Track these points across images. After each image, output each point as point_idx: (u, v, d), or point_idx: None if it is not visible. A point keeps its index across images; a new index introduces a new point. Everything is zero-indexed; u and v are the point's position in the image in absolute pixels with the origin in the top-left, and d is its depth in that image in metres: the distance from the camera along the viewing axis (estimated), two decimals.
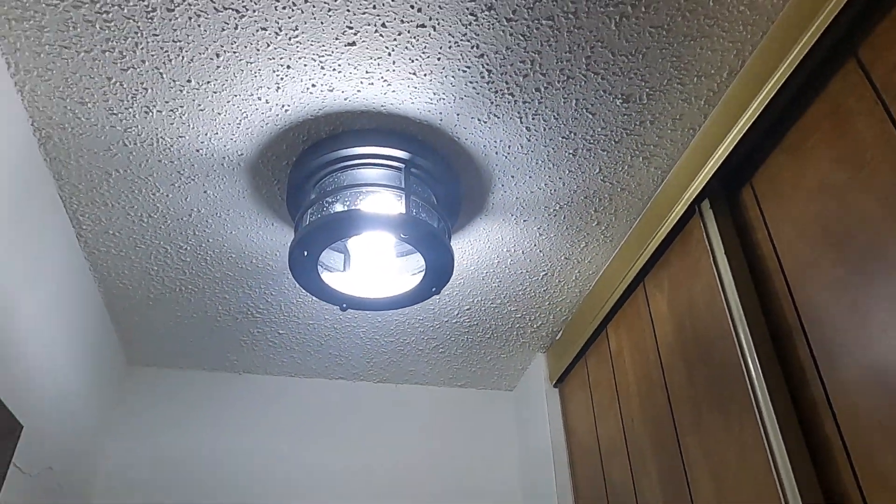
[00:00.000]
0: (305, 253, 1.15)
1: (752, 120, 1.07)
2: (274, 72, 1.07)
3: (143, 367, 1.91)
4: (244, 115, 1.15)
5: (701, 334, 1.20)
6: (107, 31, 1.00)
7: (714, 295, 1.17)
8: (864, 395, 0.87)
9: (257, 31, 1.01)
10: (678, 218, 1.26)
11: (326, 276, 1.25)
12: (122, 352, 1.84)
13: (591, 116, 1.17)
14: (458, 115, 1.16)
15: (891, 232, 0.86)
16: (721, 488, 1.09)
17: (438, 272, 1.23)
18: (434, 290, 1.26)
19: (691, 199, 1.22)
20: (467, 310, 1.70)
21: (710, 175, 1.17)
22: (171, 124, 1.16)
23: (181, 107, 1.13)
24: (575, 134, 1.20)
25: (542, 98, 1.13)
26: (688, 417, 1.22)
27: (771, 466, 0.96)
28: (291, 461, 1.86)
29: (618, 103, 1.15)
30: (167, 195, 1.31)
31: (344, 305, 1.28)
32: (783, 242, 1.06)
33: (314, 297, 1.58)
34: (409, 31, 1.02)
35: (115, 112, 1.13)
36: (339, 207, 1.18)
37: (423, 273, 1.24)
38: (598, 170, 1.28)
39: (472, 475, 1.95)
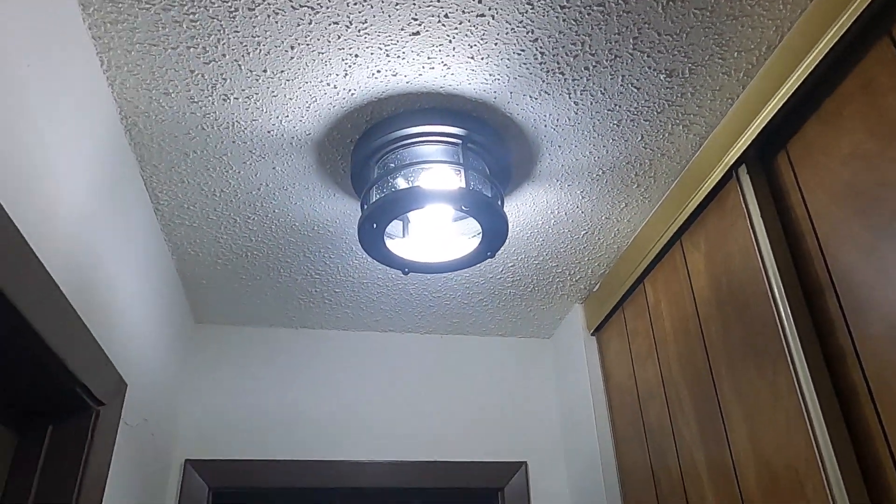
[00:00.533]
0: (374, 226, 1.26)
1: (790, 91, 1.15)
2: (343, 60, 1.16)
3: (210, 325, 2.07)
4: (314, 99, 1.24)
5: (737, 290, 1.31)
6: (192, 30, 1.09)
7: (750, 254, 1.27)
8: (888, 346, 0.97)
9: (329, 25, 1.09)
10: (716, 181, 1.35)
11: (389, 244, 1.37)
12: (191, 311, 1.99)
13: (635, 90, 1.25)
14: (511, 93, 1.24)
15: None
16: (754, 428, 1.22)
17: (494, 238, 1.33)
18: (489, 254, 1.37)
19: (729, 165, 1.30)
20: (511, 266, 1.81)
21: (748, 142, 1.25)
22: (247, 109, 1.26)
23: (256, 94, 1.22)
24: (620, 106, 1.29)
25: (590, 76, 1.21)
26: (723, 365, 1.34)
27: (802, 409, 1.08)
28: (345, 407, 2.03)
29: (661, 78, 1.23)
30: (239, 172, 1.42)
31: (406, 270, 1.40)
32: (816, 206, 1.15)
33: (370, 260, 1.70)
34: (469, 21, 1.10)
35: (195, 101, 1.23)
36: (401, 183, 1.28)
37: (478, 238, 1.35)
38: (640, 138, 1.37)
39: (515, 418, 2.10)
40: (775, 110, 1.18)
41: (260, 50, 1.14)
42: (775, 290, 1.18)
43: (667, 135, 1.36)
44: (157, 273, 1.60)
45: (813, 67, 1.10)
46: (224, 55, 1.14)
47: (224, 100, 1.23)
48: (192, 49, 1.13)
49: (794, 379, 1.11)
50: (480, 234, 1.33)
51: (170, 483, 1.81)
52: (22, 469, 1.12)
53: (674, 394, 1.52)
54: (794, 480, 1.11)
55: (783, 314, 1.16)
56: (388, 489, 1.94)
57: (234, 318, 2.04)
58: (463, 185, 1.24)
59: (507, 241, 1.69)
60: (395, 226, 1.42)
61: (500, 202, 1.33)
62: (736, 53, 1.18)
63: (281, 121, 1.29)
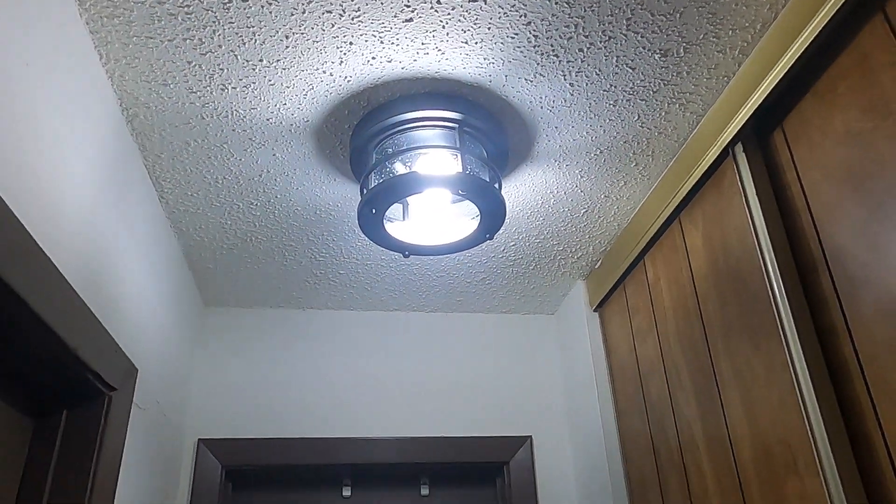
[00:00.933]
0: (374, 211, 1.28)
1: (785, 69, 1.15)
2: (338, 48, 1.17)
3: (218, 308, 2.11)
4: (310, 87, 1.25)
5: (733, 267, 1.32)
6: (187, 22, 1.11)
7: (745, 231, 1.28)
8: (879, 323, 0.99)
9: (323, 13, 1.10)
10: (713, 159, 1.36)
11: (389, 227, 1.39)
12: (199, 295, 2.03)
13: (630, 71, 1.25)
14: (506, 76, 1.25)
15: None
16: (749, 403, 1.24)
17: (491, 220, 1.35)
18: (488, 236, 1.39)
19: (726, 143, 1.31)
20: (513, 245, 1.83)
21: (744, 120, 1.25)
22: (245, 98, 1.27)
23: (254, 83, 1.24)
24: (615, 87, 1.29)
25: (584, 57, 1.21)
26: (720, 341, 1.36)
27: (794, 385, 1.10)
28: (353, 385, 2.07)
29: (656, 58, 1.23)
30: (240, 159, 1.44)
31: (406, 253, 1.42)
32: (811, 184, 1.16)
33: (372, 242, 1.73)
34: (462, 6, 1.10)
35: (194, 91, 1.25)
36: (399, 168, 1.30)
37: (477, 220, 1.37)
38: (636, 117, 1.37)
39: (520, 393, 2.14)
40: (770, 88, 1.18)
41: (255, 40, 1.15)
42: (769, 268, 1.19)
43: (663, 114, 1.37)
44: (164, 259, 1.63)
45: (808, 44, 1.10)
46: (220, 46, 1.15)
47: (222, 89, 1.25)
48: (188, 41, 1.14)
49: (787, 355, 1.13)
50: (479, 217, 1.35)
51: (184, 462, 1.87)
52: (39, 452, 1.17)
53: (673, 369, 1.54)
54: (787, 455, 1.13)
55: (777, 291, 1.17)
56: (397, 465, 1.99)
57: (243, 300, 2.07)
58: (460, 169, 1.26)
59: (508, 220, 1.71)
60: (395, 209, 1.44)
61: (497, 185, 1.34)
62: (730, 31, 1.18)
63: (279, 109, 1.30)
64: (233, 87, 1.24)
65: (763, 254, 1.21)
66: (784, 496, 1.14)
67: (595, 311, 2.00)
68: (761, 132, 1.29)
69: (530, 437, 2.07)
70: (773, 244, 1.20)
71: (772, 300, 1.18)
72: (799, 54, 1.12)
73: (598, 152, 1.47)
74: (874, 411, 0.99)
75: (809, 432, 1.06)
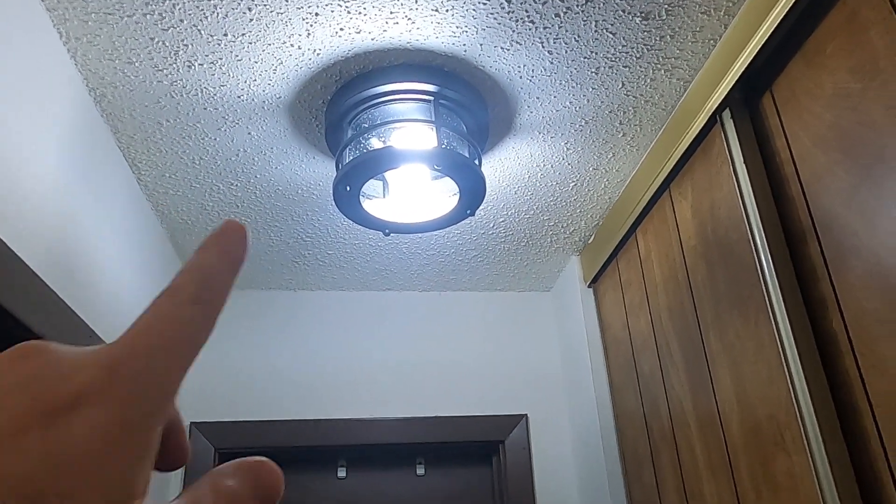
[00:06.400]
0: (348, 188, 1.25)
1: (772, 28, 1.09)
2: (304, 20, 1.13)
3: None
4: (279, 61, 1.21)
5: (721, 238, 1.28)
6: None
7: (734, 201, 1.23)
8: (868, 293, 0.95)
9: None
10: (700, 127, 1.30)
11: (368, 205, 1.35)
12: None
13: (611, 36, 1.20)
14: (481, 45, 1.20)
15: None
16: (739, 378, 1.21)
17: (472, 196, 1.31)
18: (469, 212, 1.35)
19: (713, 110, 1.25)
20: (502, 221, 1.79)
21: (731, 84, 1.20)
22: (213, 75, 1.23)
23: (220, 59, 1.20)
24: (596, 53, 1.24)
25: (562, 23, 1.16)
26: (710, 315, 1.32)
27: (781, 358, 1.06)
28: (347, 366, 2.05)
29: (637, 21, 1.17)
30: (215, 139, 1.41)
31: (387, 231, 1.39)
32: (800, 149, 1.11)
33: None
34: None
35: (160, 69, 1.21)
36: (375, 143, 1.26)
37: (458, 196, 1.33)
38: (621, 85, 1.32)
39: (516, 371, 2.11)
40: (757, 50, 1.13)
41: (217, 13, 1.11)
42: (757, 238, 1.15)
43: (649, 80, 1.31)
44: (148, 243, 1.61)
45: (794, 2, 1.04)
46: (182, 20, 1.12)
47: (189, 66, 1.21)
48: (148, 16, 1.10)
49: (775, 328, 1.09)
50: (458, 193, 1.31)
51: None
52: None
53: (664, 344, 1.51)
54: (775, 430, 1.10)
55: (765, 263, 1.13)
56: (392, 445, 1.98)
57: None
58: (436, 143, 1.22)
59: (496, 195, 1.67)
60: (375, 187, 1.41)
61: (477, 160, 1.30)
62: None
63: (249, 85, 1.26)
64: (199, 64, 1.21)
65: (751, 224, 1.17)
66: (772, 473, 1.11)
67: (589, 286, 1.96)
68: (750, 98, 1.23)
69: (526, 415, 2.04)
70: (760, 214, 1.15)
71: (759, 272, 1.14)
72: (785, 13, 1.06)
73: (583, 123, 1.42)
74: (863, 385, 0.95)
75: (797, 408, 1.03)
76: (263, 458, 0.21)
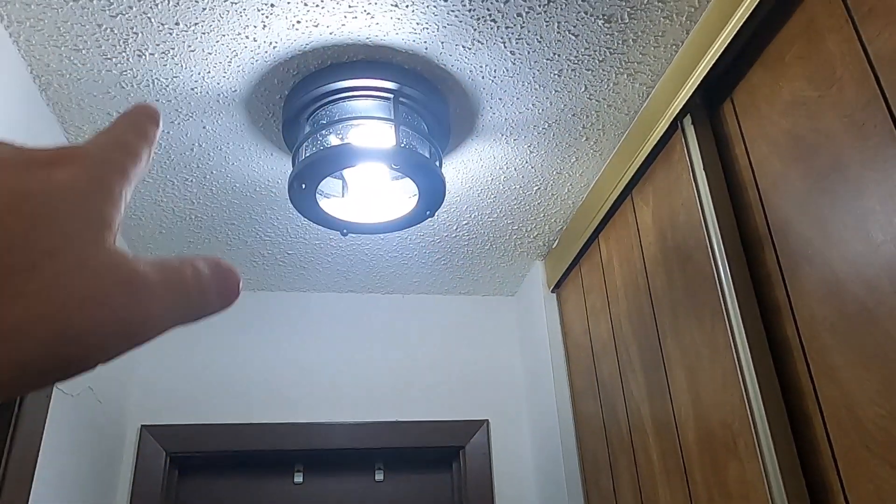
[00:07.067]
0: (304, 185, 1.22)
1: (732, 34, 1.09)
2: (259, 10, 1.09)
3: None
4: (234, 53, 1.18)
5: (680, 244, 1.28)
6: None
7: (692, 207, 1.23)
8: (820, 300, 0.95)
9: None
10: (662, 133, 1.30)
11: (326, 204, 1.32)
12: None
13: (574, 38, 1.19)
14: (442, 43, 1.18)
15: (853, 150, 0.91)
16: (695, 384, 1.20)
17: (431, 196, 1.29)
18: (428, 213, 1.33)
19: (674, 115, 1.25)
20: (465, 224, 1.77)
21: (693, 90, 1.20)
22: (165, 66, 1.19)
23: (172, 49, 1.16)
24: (559, 55, 1.23)
25: (524, 23, 1.15)
26: (668, 321, 1.31)
27: (736, 365, 1.06)
28: (306, 369, 2.01)
29: (600, 24, 1.16)
30: (167, 132, 1.36)
31: (345, 231, 1.36)
32: (758, 156, 1.11)
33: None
34: None
35: (109, 57, 1.17)
36: (333, 140, 1.23)
37: (417, 197, 1.30)
38: (583, 88, 1.31)
39: (478, 376, 2.09)
40: (717, 56, 1.13)
41: (168, 1, 1.07)
42: (714, 244, 1.14)
43: (612, 85, 1.31)
44: None
45: (754, 7, 1.04)
46: (131, 7, 1.07)
47: (139, 55, 1.17)
48: (94, 1, 1.06)
49: (730, 334, 1.09)
50: (417, 193, 1.29)
51: (126, 450, 1.80)
52: None
53: (623, 349, 1.50)
54: (728, 437, 1.09)
55: (721, 269, 1.12)
56: (351, 450, 1.94)
57: None
58: (395, 142, 1.19)
59: (458, 197, 1.65)
60: (333, 185, 1.38)
61: (437, 161, 1.28)
62: None
63: (203, 77, 1.23)
64: (150, 54, 1.17)
65: (709, 230, 1.17)
66: (724, 480, 1.10)
67: (553, 291, 1.95)
68: (711, 104, 1.23)
69: (487, 420, 2.02)
70: (718, 220, 1.15)
71: (716, 278, 1.14)
72: (746, 19, 1.06)
73: (545, 126, 1.41)
74: (814, 392, 0.95)
75: (749, 414, 1.02)
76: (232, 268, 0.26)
